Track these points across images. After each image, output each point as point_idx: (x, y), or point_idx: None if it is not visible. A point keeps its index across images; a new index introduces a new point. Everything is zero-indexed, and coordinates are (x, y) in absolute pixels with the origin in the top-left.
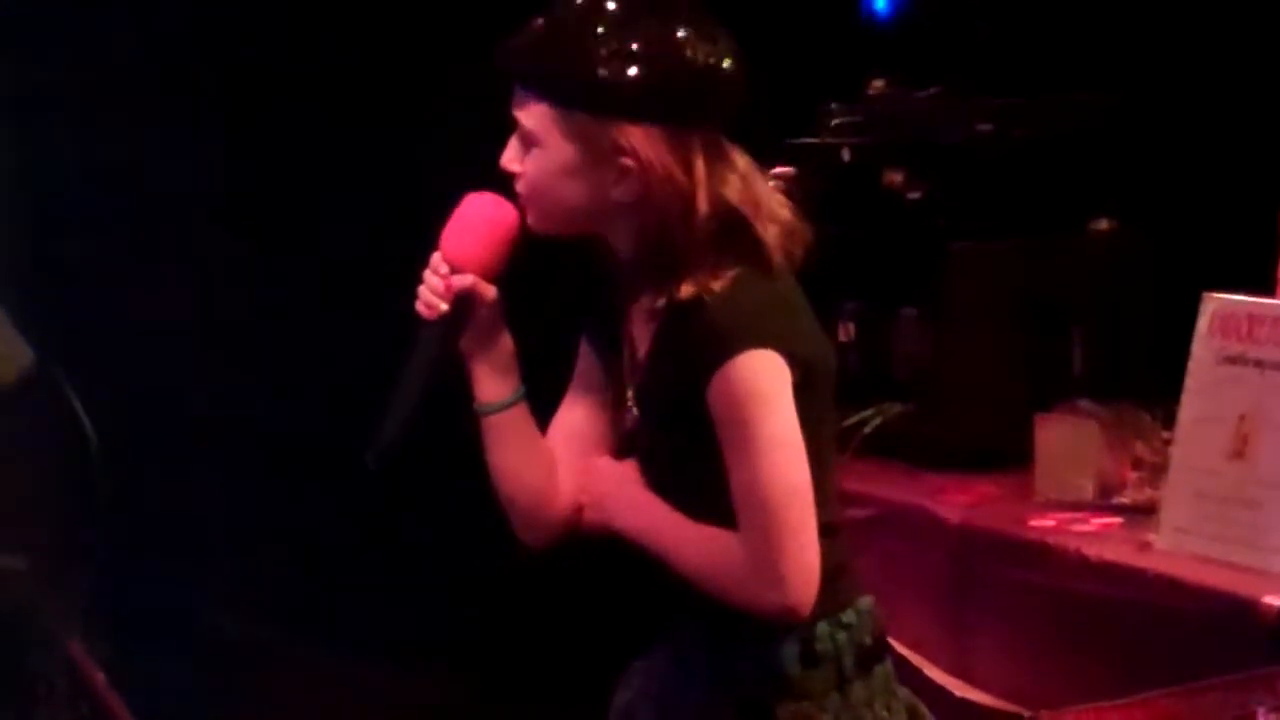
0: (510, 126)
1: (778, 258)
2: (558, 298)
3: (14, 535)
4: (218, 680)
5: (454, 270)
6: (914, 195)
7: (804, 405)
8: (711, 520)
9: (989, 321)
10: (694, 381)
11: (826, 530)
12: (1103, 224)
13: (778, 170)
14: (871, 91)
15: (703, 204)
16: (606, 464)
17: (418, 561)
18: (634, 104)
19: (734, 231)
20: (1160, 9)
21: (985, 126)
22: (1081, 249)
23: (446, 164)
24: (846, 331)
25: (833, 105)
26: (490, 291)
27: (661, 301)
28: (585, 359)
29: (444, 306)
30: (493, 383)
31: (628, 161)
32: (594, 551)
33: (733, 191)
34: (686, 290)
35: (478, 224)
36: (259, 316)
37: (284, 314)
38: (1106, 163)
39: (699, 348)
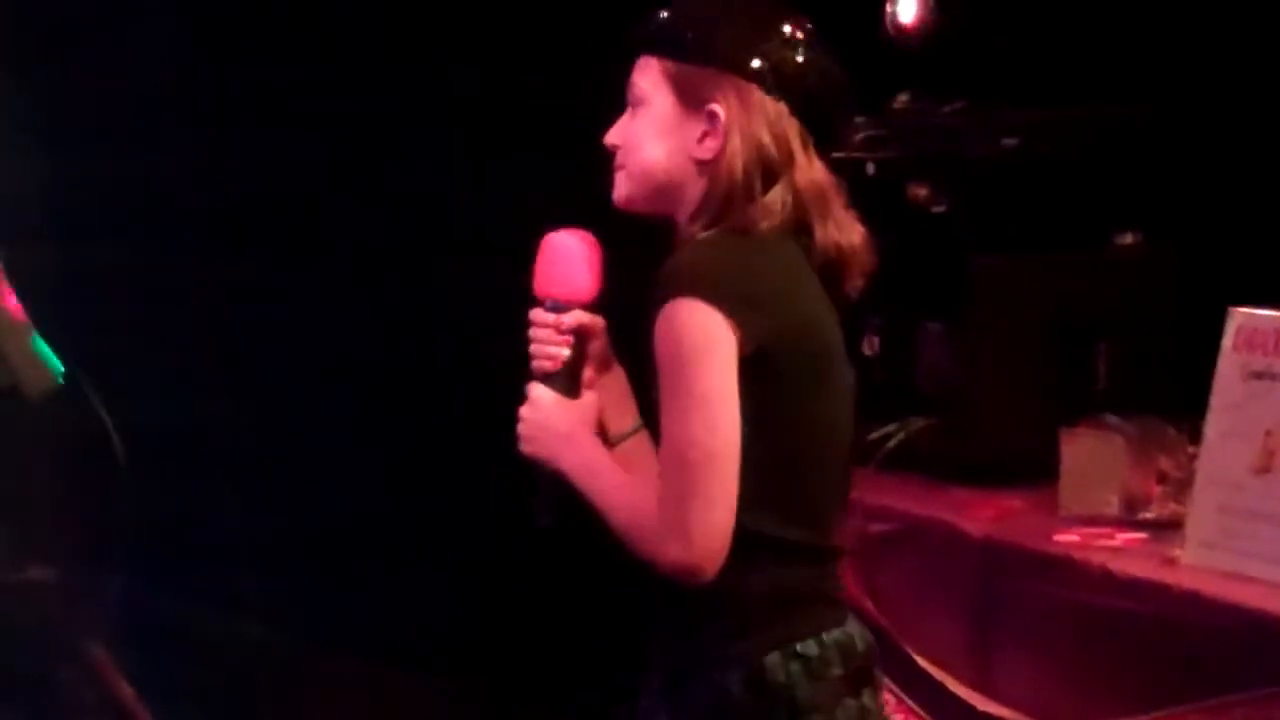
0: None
1: (818, 255)
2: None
3: (42, 546)
4: (238, 688)
5: (557, 310)
6: (939, 209)
7: (757, 390)
8: None
9: (1014, 336)
10: (649, 329)
11: (795, 550)
12: (1128, 238)
13: None
14: (896, 105)
15: (775, 172)
16: (554, 400)
17: (435, 568)
18: (734, 60)
19: (786, 217)
20: (1185, 23)
21: (1010, 141)
22: (1107, 263)
23: (470, 176)
24: (871, 345)
25: (858, 119)
26: (599, 321)
27: None
28: None
29: (566, 353)
30: (618, 413)
31: (714, 108)
32: (609, 562)
33: (804, 179)
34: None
35: (569, 258)
36: (276, 329)
37: (301, 327)
38: (1131, 177)
39: (653, 291)
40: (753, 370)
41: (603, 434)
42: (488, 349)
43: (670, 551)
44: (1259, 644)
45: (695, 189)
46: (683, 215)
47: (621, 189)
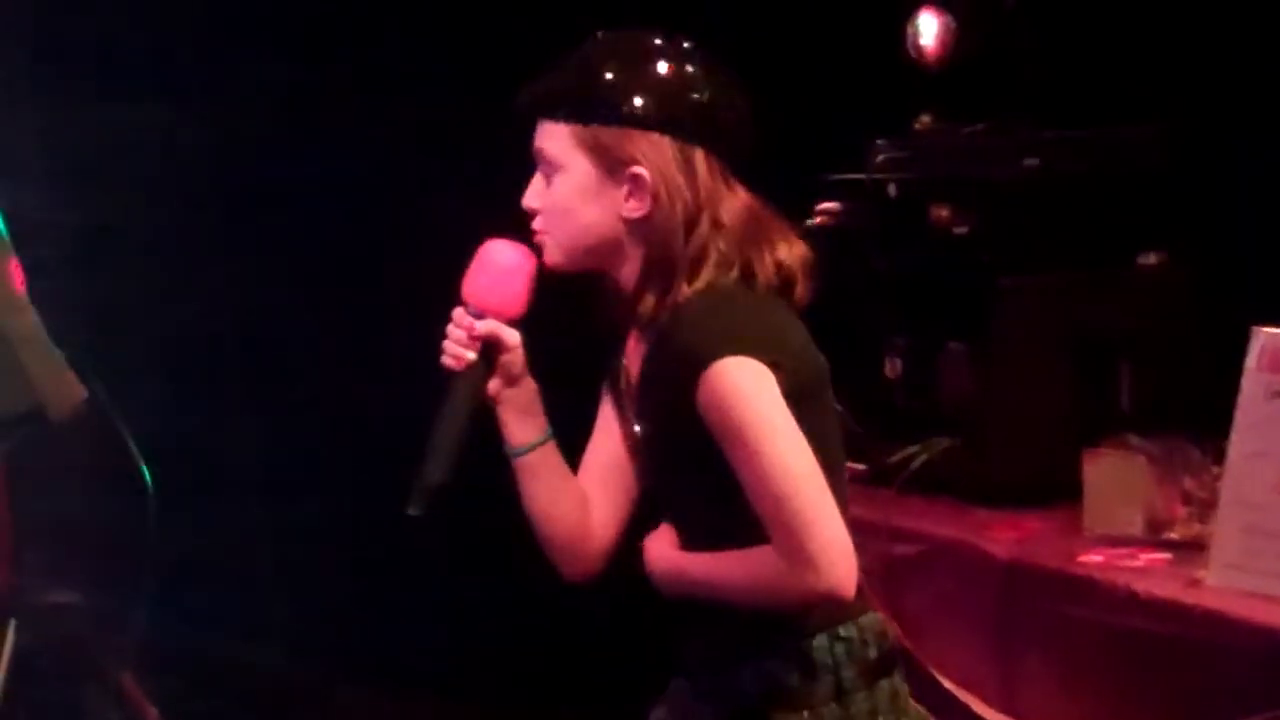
0: (528, 173)
1: (769, 279)
2: (578, 343)
3: (68, 570)
4: (260, 714)
5: (478, 317)
6: (961, 230)
7: (797, 414)
8: (729, 525)
9: (1037, 356)
10: (682, 398)
11: None
12: (1151, 258)
13: (823, 206)
14: (919, 127)
15: (705, 217)
16: (650, 546)
17: (461, 594)
18: (643, 115)
19: (728, 254)
20: (1207, 42)
21: (1032, 161)
22: (1130, 283)
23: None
24: (894, 367)
25: (880, 141)
26: (514, 336)
27: (652, 323)
28: (605, 401)
29: (471, 356)
30: (521, 426)
31: (637, 170)
32: (620, 583)
33: (731, 213)
34: (671, 303)
35: (498, 269)
36: (300, 352)
37: (326, 350)
38: (1154, 197)
39: (678, 365)
40: (791, 401)
41: (507, 445)
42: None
43: (808, 585)
44: None
45: (631, 247)
46: (623, 272)
47: (553, 255)
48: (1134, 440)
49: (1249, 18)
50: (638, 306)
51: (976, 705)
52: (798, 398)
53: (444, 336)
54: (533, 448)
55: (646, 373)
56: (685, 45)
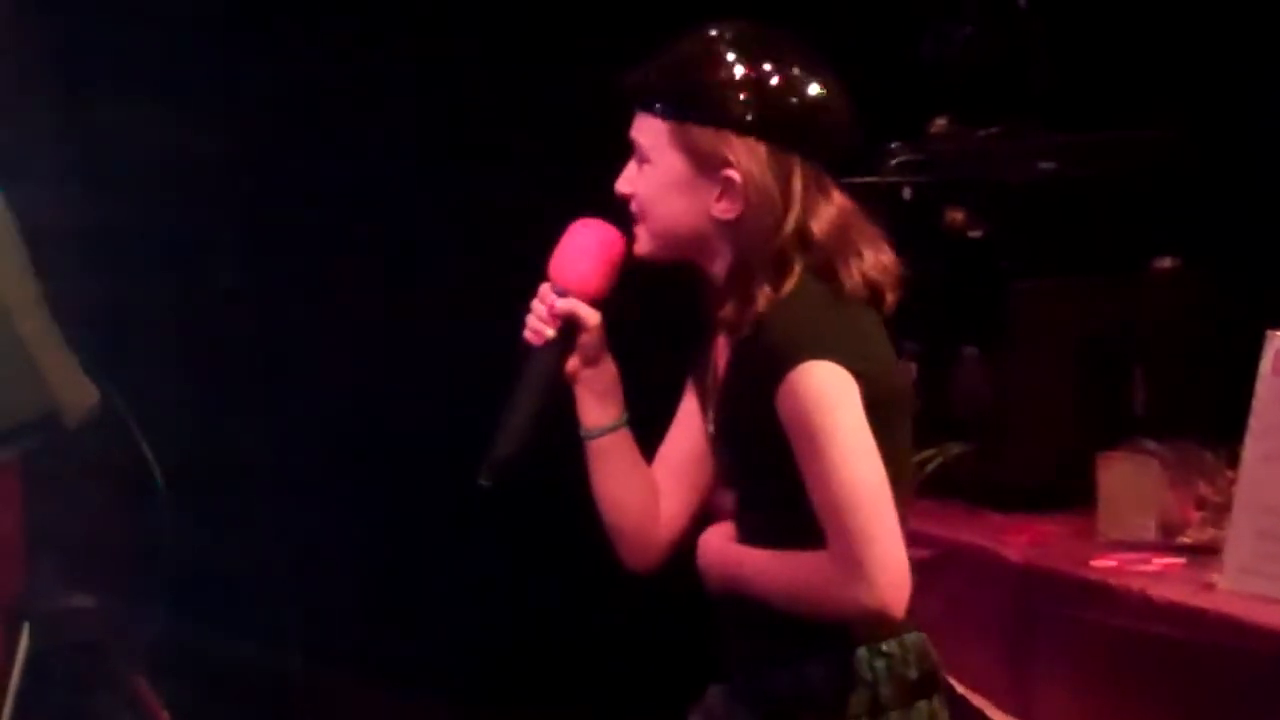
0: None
1: (856, 289)
2: (670, 332)
3: (82, 573)
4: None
5: (561, 294)
6: (975, 234)
7: (874, 426)
8: (795, 532)
9: (1051, 361)
10: (762, 399)
11: None
12: (1165, 262)
13: None
14: (933, 130)
15: (790, 224)
16: (709, 536)
17: (478, 599)
18: (740, 119)
19: (815, 262)
20: (1222, 46)
21: (1047, 165)
22: (1144, 287)
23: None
24: (907, 371)
25: (894, 144)
26: (594, 316)
27: (740, 324)
28: (688, 395)
29: (550, 332)
30: (597, 408)
31: (730, 173)
32: (655, 585)
33: (823, 223)
34: (754, 309)
35: (584, 248)
36: (314, 358)
37: (339, 356)
38: (1169, 200)
39: (762, 364)
40: (869, 410)
41: (581, 426)
42: None
43: (861, 600)
44: None
45: (721, 245)
46: (715, 267)
47: (644, 244)
48: (1148, 444)
49: (1264, 21)
50: (722, 308)
51: (990, 709)
52: (877, 409)
53: (455, 336)
54: (605, 431)
55: (731, 371)
56: (790, 43)
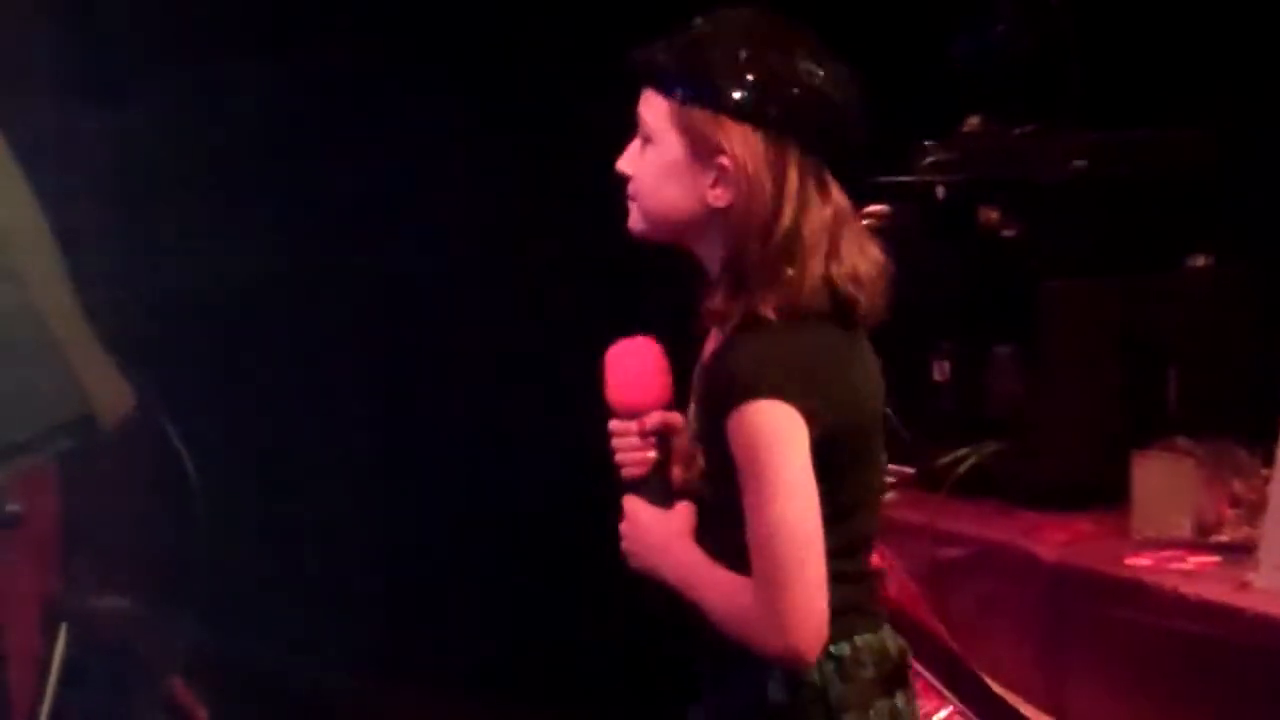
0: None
1: (813, 296)
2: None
3: (118, 575)
4: None
5: (636, 417)
6: (1009, 233)
7: (824, 462)
8: (738, 547)
9: (1085, 359)
10: (717, 421)
11: (838, 576)
12: (1199, 260)
13: (871, 208)
14: (966, 129)
15: (785, 219)
16: (648, 513)
17: (504, 602)
18: (740, 105)
19: (796, 276)
20: (1254, 43)
21: (1081, 163)
22: (1178, 286)
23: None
24: (941, 370)
25: (927, 143)
26: (677, 417)
27: (724, 320)
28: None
29: (653, 453)
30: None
31: (725, 161)
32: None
33: (814, 221)
34: (738, 312)
35: (637, 369)
36: (349, 366)
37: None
38: (1202, 199)
39: (723, 387)
40: (818, 452)
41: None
42: (567, 379)
43: (774, 644)
44: None
45: (713, 233)
46: (706, 256)
47: (637, 222)
48: (1182, 442)
49: None
50: (709, 302)
51: (1025, 707)
52: (835, 444)
53: (473, 334)
54: None
55: (705, 376)
56: (802, 35)
